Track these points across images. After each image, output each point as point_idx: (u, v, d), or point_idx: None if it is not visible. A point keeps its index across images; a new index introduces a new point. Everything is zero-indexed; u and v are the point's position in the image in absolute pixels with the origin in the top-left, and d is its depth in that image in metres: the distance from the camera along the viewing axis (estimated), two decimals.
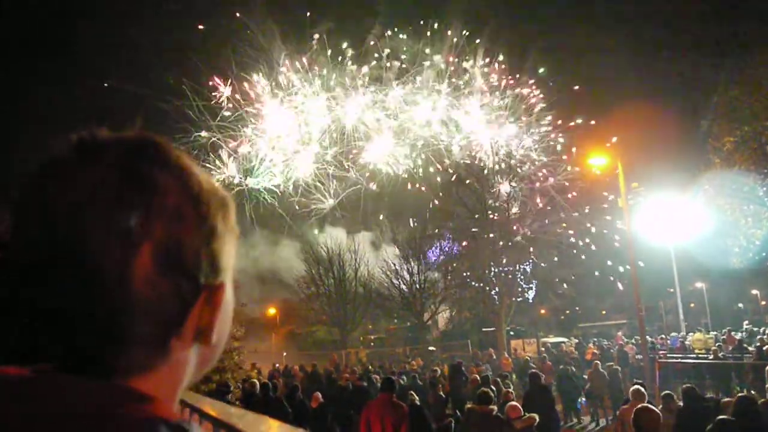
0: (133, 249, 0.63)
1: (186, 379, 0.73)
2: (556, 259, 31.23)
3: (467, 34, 30.15)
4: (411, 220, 37.09)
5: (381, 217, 37.13)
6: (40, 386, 0.62)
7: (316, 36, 28.92)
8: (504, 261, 30.70)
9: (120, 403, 0.62)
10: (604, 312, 52.02)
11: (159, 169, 0.66)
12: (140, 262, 0.63)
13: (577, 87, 30.20)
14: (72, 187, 0.63)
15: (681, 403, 8.79)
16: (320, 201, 31.01)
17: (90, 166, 0.64)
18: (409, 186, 31.36)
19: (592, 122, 29.83)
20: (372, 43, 29.24)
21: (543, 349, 29.02)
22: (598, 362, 17.68)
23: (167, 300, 0.66)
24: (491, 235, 30.22)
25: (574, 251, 30.75)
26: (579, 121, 29.73)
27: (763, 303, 48.94)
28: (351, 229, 38.27)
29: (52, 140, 0.68)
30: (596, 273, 31.99)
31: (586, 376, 17.27)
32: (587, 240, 30.75)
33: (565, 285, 32.13)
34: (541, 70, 30.05)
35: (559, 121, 30.24)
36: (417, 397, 9.73)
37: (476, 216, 31.59)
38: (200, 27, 27.54)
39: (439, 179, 32.04)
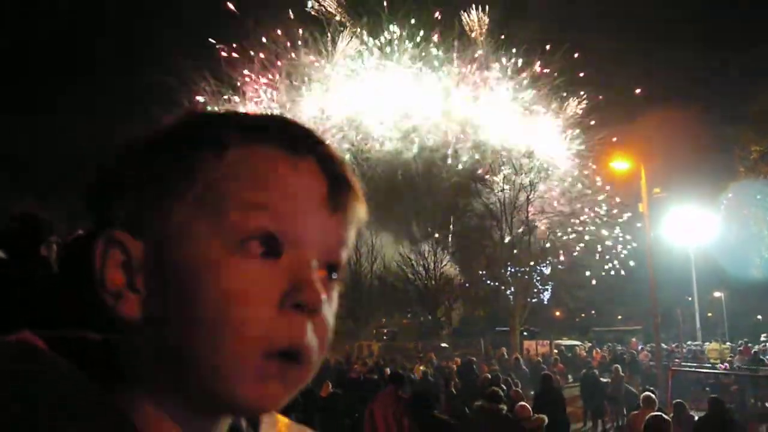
0: None
1: None
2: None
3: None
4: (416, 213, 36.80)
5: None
6: None
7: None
8: (520, 261, 30.44)
9: None
10: (620, 317, 51.48)
11: None
12: None
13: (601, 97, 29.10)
14: None
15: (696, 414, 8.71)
16: None
17: None
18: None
19: (614, 139, 28.76)
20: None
21: (556, 351, 28.75)
22: (618, 366, 17.53)
23: None
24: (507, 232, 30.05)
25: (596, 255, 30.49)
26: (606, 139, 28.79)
27: None
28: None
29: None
30: (613, 273, 31.50)
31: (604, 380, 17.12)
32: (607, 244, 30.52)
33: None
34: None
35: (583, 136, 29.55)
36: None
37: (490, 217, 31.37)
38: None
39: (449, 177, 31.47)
